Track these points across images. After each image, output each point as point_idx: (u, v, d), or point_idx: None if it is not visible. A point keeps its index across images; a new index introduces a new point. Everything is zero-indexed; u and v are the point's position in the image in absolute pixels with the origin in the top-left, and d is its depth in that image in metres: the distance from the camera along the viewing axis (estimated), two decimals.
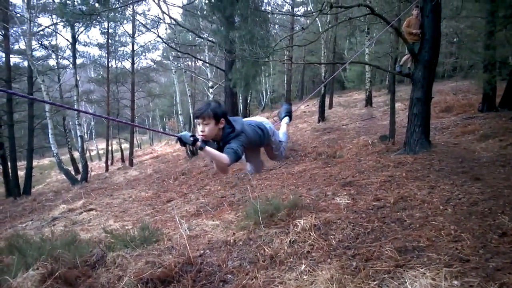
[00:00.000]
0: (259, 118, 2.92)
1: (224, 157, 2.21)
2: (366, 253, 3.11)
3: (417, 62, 6.89)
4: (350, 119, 14.64)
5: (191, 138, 2.12)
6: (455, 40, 16.44)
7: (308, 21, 16.35)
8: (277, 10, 19.41)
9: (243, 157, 3.00)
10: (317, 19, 13.07)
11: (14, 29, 19.18)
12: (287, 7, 25.02)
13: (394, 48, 9.76)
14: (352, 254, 3.15)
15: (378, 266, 2.84)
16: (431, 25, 6.71)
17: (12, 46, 19.89)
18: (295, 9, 23.30)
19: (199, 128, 2.31)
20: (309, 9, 19.49)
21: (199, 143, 2.16)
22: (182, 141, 2.14)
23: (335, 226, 3.80)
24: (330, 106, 19.86)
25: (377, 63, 10.93)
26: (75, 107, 16.81)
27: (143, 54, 26.63)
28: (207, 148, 2.18)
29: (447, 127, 9.10)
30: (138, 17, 20.22)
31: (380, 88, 23.28)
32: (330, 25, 12.70)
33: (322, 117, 15.95)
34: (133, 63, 22.28)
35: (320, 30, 15.54)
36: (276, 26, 19.09)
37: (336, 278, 2.75)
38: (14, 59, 21.47)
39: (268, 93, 32.01)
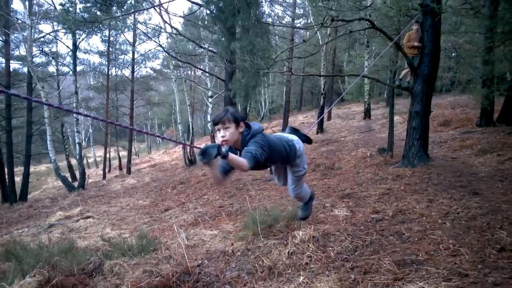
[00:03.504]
0: (294, 137, 2.86)
1: (242, 161, 2.11)
2: (364, 265, 3.10)
3: (416, 76, 6.95)
4: (349, 131, 14.69)
5: (215, 149, 1.96)
6: (453, 54, 16.64)
7: (308, 33, 16.49)
8: (277, 22, 19.61)
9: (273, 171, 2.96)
10: (317, 31, 13.20)
11: (15, 35, 19.29)
12: (287, 19, 25.27)
13: (393, 62, 9.84)
14: (351, 266, 3.14)
15: (376, 279, 2.83)
16: (430, 40, 6.79)
17: (13, 52, 19.94)
18: (295, 21, 23.49)
19: (220, 134, 2.29)
20: (309, 21, 19.70)
21: (223, 149, 2.02)
22: (205, 155, 1.96)
23: (333, 238, 3.79)
24: (329, 118, 19.94)
25: (376, 76, 10.99)
26: (74, 114, 16.82)
27: (143, 62, 26.83)
28: (231, 154, 2.05)
29: (446, 141, 9.15)
30: (139, 25, 20.42)
31: (379, 101, 23.43)
32: (330, 38, 12.83)
33: (320, 128, 16.01)
34: (133, 71, 22.38)
35: (320, 42, 15.69)
36: (277, 37, 19.27)
37: None
38: (14, 65, 21.58)
39: (267, 103, 32.13)
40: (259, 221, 4.23)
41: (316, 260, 3.37)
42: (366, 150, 9.62)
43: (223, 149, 2.03)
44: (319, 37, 17.14)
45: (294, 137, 2.81)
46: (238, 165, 2.10)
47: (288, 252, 3.59)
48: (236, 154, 2.26)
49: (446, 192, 4.91)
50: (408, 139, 7.10)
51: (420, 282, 2.66)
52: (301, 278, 3.07)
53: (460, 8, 7.35)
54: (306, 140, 3.23)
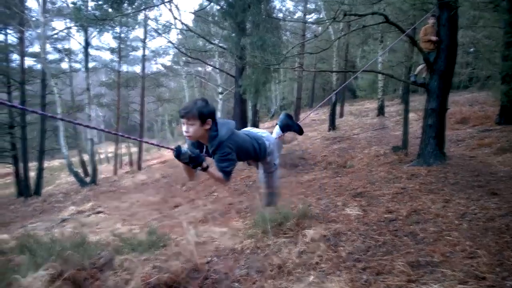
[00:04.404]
0: (264, 132, 2.74)
1: (219, 176, 2.22)
2: (377, 266, 3.02)
3: (432, 72, 6.76)
4: (362, 129, 14.51)
5: (192, 157, 2.04)
6: (471, 50, 16.24)
7: (320, 28, 16.33)
8: (288, 17, 19.47)
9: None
10: (329, 26, 13.02)
11: (29, 32, 19.54)
12: (299, 14, 25.07)
13: (408, 57, 9.61)
14: (363, 267, 3.06)
15: (389, 281, 2.75)
16: (447, 34, 6.59)
17: (27, 49, 20.25)
18: (307, 16, 23.26)
19: (184, 128, 2.20)
20: (321, 16, 19.49)
21: (204, 164, 2.11)
22: (179, 156, 2.04)
23: (345, 237, 3.71)
24: (341, 115, 19.73)
25: (390, 72, 10.78)
26: (87, 110, 17.02)
27: (154, 59, 26.90)
28: (210, 169, 2.16)
29: (463, 139, 8.92)
30: (150, 22, 20.44)
31: (393, 98, 23.08)
32: (342, 33, 12.65)
33: (332, 125, 15.84)
34: (143, 68, 22.47)
35: (332, 37, 15.50)
36: (288, 33, 19.10)
37: None
38: (29, 61, 21.88)
39: (278, 100, 31.98)
40: (269, 219, 4.19)
41: (326, 259, 3.30)
42: (380, 148, 9.47)
43: (204, 164, 2.11)
44: (331, 32, 16.92)
45: (264, 134, 2.69)
46: (216, 179, 2.26)
47: (298, 251, 3.54)
48: (202, 148, 2.29)
49: (463, 192, 4.77)
50: (424, 137, 6.93)
51: (435, 284, 2.59)
52: (311, 277, 3.01)
53: (479, 2, 7.12)
54: (298, 130, 3.11)
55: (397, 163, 7.48)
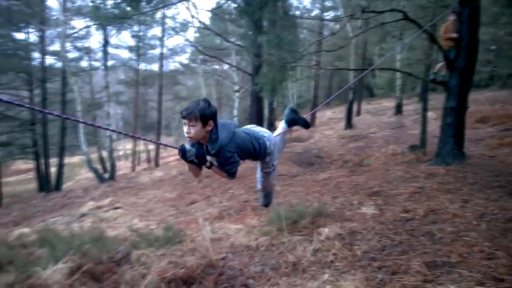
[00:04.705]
0: (266, 132, 2.69)
1: (225, 175, 2.29)
2: (392, 266, 2.99)
3: (452, 70, 6.64)
4: (379, 127, 14.36)
5: (194, 156, 2.09)
6: (493, 47, 15.84)
7: (337, 26, 16.18)
8: (306, 15, 19.34)
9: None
10: (347, 24, 12.89)
11: (50, 31, 19.96)
12: (316, 12, 24.89)
13: (427, 55, 9.44)
14: (378, 266, 3.05)
15: (405, 280, 2.73)
16: (468, 32, 6.46)
17: (48, 48, 20.70)
18: (324, 14, 23.06)
19: (185, 129, 2.17)
20: (339, 13, 19.30)
21: (208, 163, 2.16)
22: (184, 155, 2.08)
23: (360, 236, 3.69)
24: (358, 113, 19.56)
25: (409, 70, 10.61)
26: (105, 108, 17.30)
27: (172, 57, 27.12)
28: (214, 167, 2.22)
29: (483, 138, 8.73)
30: (167, 20, 20.63)
31: (411, 96, 22.68)
32: (360, 31, 12.50)
33: (349, 124, 15.72)
34: (161, 66, 22.70)
35: (350, 35, 15.33)
36: (305, 30, 18.98)
37: None
38: (49, 60, 22.35)
39: (295, 98, 31.84)
40: (284, 217, 4.20)
41: (341, 258, 3.29)
42: (397, 146, 9.35)
43: (208, 163, 2.18)
44: (349, 30, 16.75)
45: (266, 134, 2.63)
46: (222, 176, 2.32)
47: (313, 249, 3.54)
48: (202, 148, 2.26)
49: (482, 192, 4.68)
50: (443, 136, 6.82)
51: (451, 285, 2.56)
52: (326, 276, 3.01)
53: None
54: (305, 124, 3.01)
55: (414, 162, 7.38)
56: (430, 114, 9.46)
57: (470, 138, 8.67)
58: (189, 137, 2.18)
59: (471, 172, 5.75)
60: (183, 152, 2.06)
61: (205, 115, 2.12)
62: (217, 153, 2.20)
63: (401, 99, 17.57)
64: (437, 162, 6.71)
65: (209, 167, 2.20)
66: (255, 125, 2.73)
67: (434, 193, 4.91)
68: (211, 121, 2.16)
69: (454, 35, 6.62)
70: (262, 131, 2.66)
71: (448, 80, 6.79)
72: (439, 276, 2.74)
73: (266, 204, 3.22)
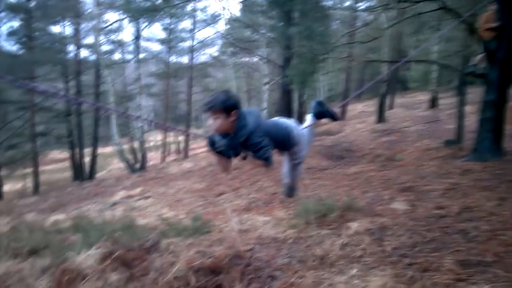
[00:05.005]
0: (287, 121, 2.66)
1: (262, 163, 2.24)
2: (424, 263, 2.92)
3: (492, 62, 6.34)
4: (412, 121, 13.98)
5: (231, 146, 2.11)
6: None
7: (371, 16, 15.76)
8: (338, 5, 18.96)
9: None
10: (381, 14, 12.54)
11: (84, 24, 20.61)
12: (349, 2, 24.34)
13: (466, 46, 9.05)
14: (408, 262, 2.98)
15: (436, 278, 2.66)
16: (510, 22, 6.14)
17: (82, 41, 21.39)
18: (357, 4, 22.53)
19: (209, 123, 2.18)
20: (372, 3, 18.78)
21: (243, 154, 2.16)
22: (213, 145, 2.07)
23: (390, 232, 3.62)
24: (391, 107, 19.11)
25: (445, 62, 10.22)
26: (137, 99, 17.73)
27: (202, 49, 27.39)
28: (250, 157, 2.22)
29: None
30: (198, 12, 20.78)
31: (448, 89, 21.92)
32: (395, 21, 12.14)
33: (381, 117, 15.40)
34: (191, 58, 22.95)
35: (384, 26, 14.93)
36: (337, 21, 18.62)
37: (390, 286, 2.62)
38: (84, 53, 23.13)
39: (325, 91, 31.42)
40: (313, 210, 4.18)
41: (370, 253, 3.24)
42: (431, 141, 9.08)
43: (242, 154, 2.19)
44: (383, 20, 16.30)
45: (290, 123, 2.61)
46: (259, 165, 2.30)
47: (341, 243, 3.50)
48: (228, 138, 2.21)
49: None
50: (480, 131, 6.55)
51: (486, 284, 2.47)
52: (354, 270, 2.97)
53: None
54: (332, 117, 2.98)
55: (449, 157, 7.14)
56: (467, 108, 9.11)
57: (510, 134, 8.28)
58: (214, 130, 2.17)
59: (510, 169, 5.51)
60: (212, 142, 2.06)
61: (227, 105, 2.12)
62: (246, 139, 2.16)
63: (436, 93, 16.99)
64: (473, 158, 6.46)
65: (244, 158, 2.21)
66: (279, 118, 2.73)
67: (470, 190, 4.75)
68: (234, 110, 2.15)
69: (495, 23, 6.31)
70: (287, 121, 2.64)
71: (487, 73, 6.49)
72: (473, 275, 2.64)
73: (289, 195, 3.23)
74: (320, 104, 3.00)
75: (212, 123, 2.16)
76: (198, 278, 3.17)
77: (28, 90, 16.43)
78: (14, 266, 4.01)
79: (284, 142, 2.47)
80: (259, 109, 2.39)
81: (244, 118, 2.19)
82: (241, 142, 2.18)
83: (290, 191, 3.12)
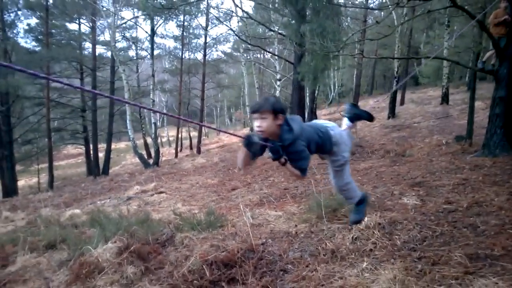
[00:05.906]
0: (328, 123, 2.65)
1: (298, 174, 2.29)
2: (433, 256, 2.99)
3: (502, 58, 6.33)
4: (423, 117, 13.90)
5: (273, 149, 2.13)
6: None
7: (382, 13, 15.68)
8: (350, 3, 18.85)
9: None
10: (392, 11, 12.49)
11: (100, 22, 20.85)
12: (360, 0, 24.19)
13: (476, 43, 9.00)
14: (418, 256, 3.05)
15: (445, 271, 2.73)
16: None
17: (98, 38, 21.68)
18: (369, 1, 22.38)
19: (256, 123, 2.18)
20: (384, 0, 18.66)
21: (283, 159, 2.17)
22: (251, 145, 2.09)
23: (400, 226, 3.69)
24: (402, 103, 18.98)
25: (456, 58, 10.16)
26: (151, 95, 17.94)
27: (215, 46, 27.53)
28: (288, 164, 2.22)
29: None
30: (211, 10, 20.89)
31: (459, 85, 21.69)
32: (406, 18, 12.08)
33: (392, 113, 15.35)
34: (205, 55, 23.09)
35: (395, 23, 14.84)
36: (349, 18, 18.53)
37: (399, 279, 2.69)
38: (100, 49, 23.44)
39: (336, 87, 31.30)
40: (324, 205, 4.25)
41: (381, 247, 3.32)
42: (442, 137, 9.07)
43: (283, 159, 2.18)
44: (394, 18, 16.21)
45: (329, 124, 2.59)
46: (294, 174, 2.32)
47: (352, 237, 3.58)
48: (269, 144, 2.22)
49: None
50: (490, 126, 6.55)
51: (494, 277, 2.52)
52: (365, 264, 3.05)
53: None
54: (367, 117, 2.99)
55: (460, 153, 7.14)
56: (478, 104, 9.07)
57: None
58: (260, 131, 2.19)
59: None
60: (249, 142, 2.09)
61: (276, 108, 2.16)
62: (290, 144, 2.19)
63: (447, 88, 16.84)
64: (483, 154, 6.48)
65: (283, 164, 2.20)
66: (317, 120, 2.75)
67: (479, 185, 4.78)
68: (282, 114, 2.19)
69: (504, 17, 6.31)
70: (325, 123, 2.65)
71: (497, 69, 6.49)
72: (481, 268, 2.70)
73: (357, 221, 3.10)
74: (353, 106, 3.01)
75: (259, 124, 2.18)
76: (212, 271, 3.29)
77: (48, 83, 16.67)
78: (32, 260, 4.19)
79: (323, 142, 2.47)
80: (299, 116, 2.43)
81: (290, 124, 2.23)
82: (285, 146, 2.21)
83: (356, 211, 3.03)
